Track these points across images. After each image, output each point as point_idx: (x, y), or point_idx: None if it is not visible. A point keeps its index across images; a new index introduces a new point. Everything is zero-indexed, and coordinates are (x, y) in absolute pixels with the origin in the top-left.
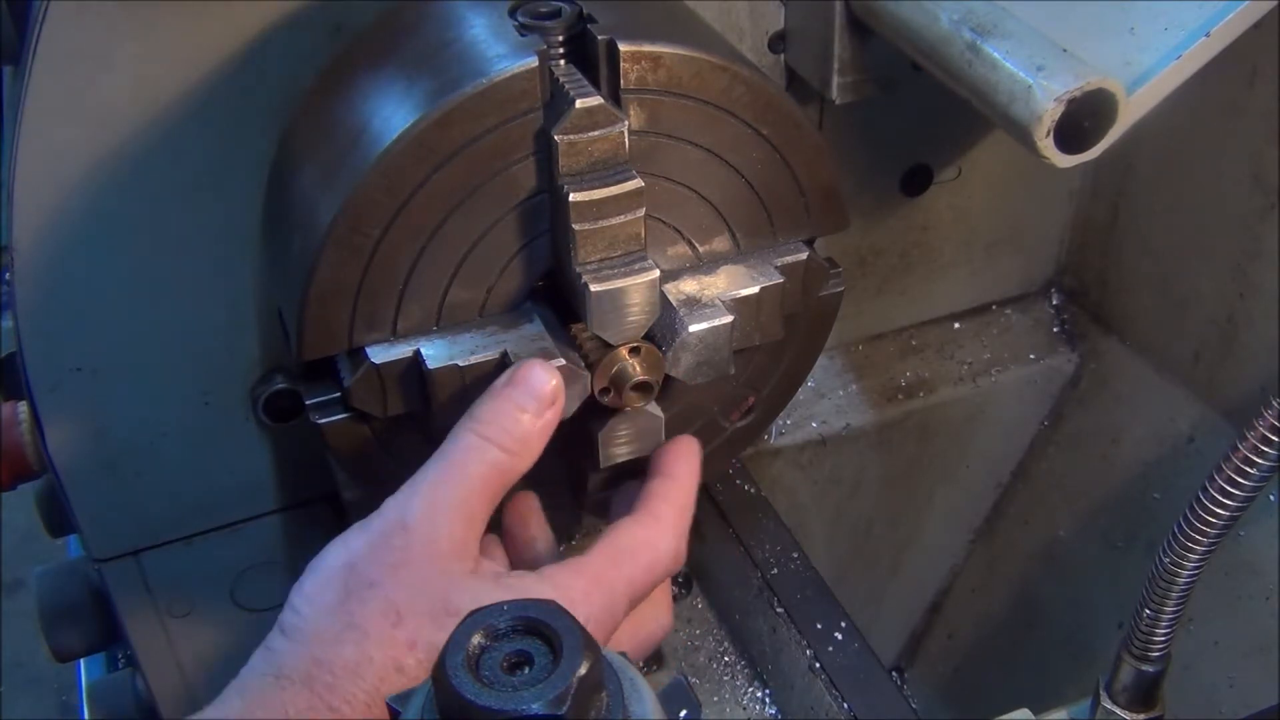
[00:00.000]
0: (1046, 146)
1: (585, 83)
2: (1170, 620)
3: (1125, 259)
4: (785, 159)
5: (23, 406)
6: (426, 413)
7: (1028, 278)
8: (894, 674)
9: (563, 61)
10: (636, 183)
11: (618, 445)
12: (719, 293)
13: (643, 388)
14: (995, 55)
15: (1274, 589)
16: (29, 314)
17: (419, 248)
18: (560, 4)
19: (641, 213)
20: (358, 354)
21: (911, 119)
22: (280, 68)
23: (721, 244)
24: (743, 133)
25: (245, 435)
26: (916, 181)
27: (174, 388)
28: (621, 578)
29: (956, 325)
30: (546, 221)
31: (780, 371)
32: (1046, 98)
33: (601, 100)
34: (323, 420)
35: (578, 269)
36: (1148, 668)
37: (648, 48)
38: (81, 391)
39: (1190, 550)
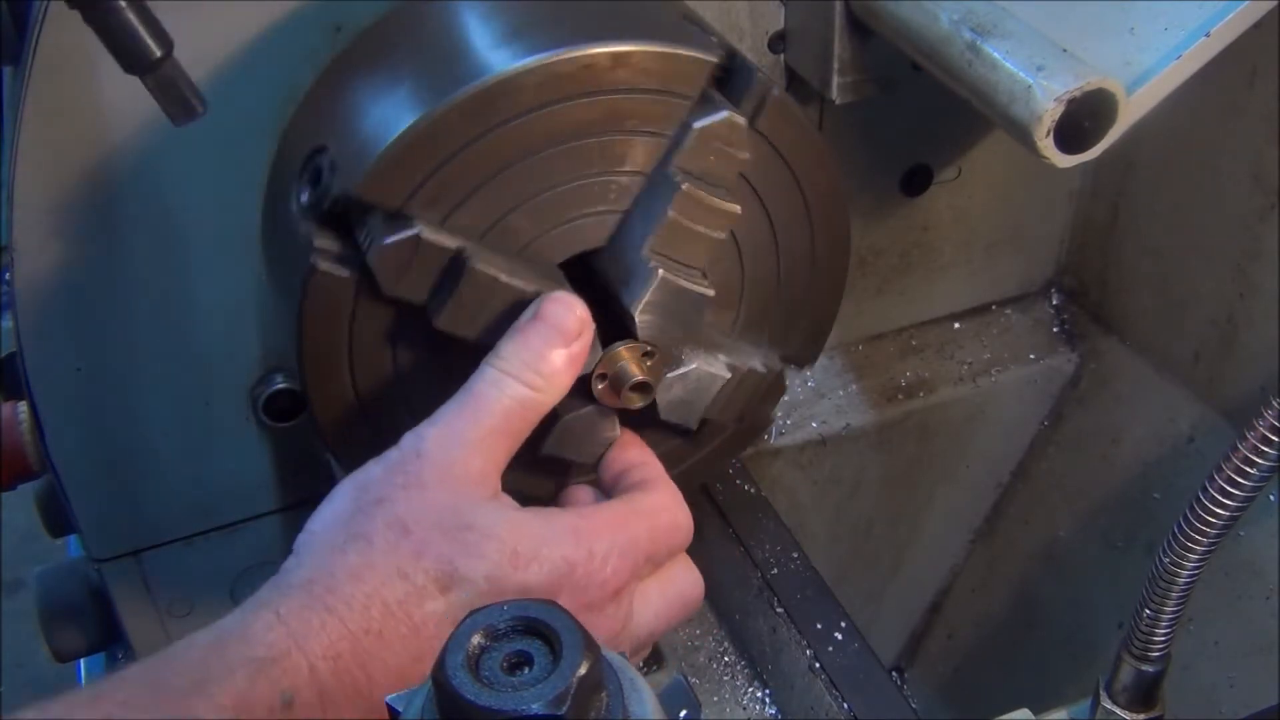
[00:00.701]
0: (1046, 146)
1: (729, 103)
2: (1170, 620)
3: (1125, 259)
4: (814, 266)
5: (23, 406)
6: (423, 313)
7: (1028, 278)
8: (894, 674)
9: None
10: (734, 206)
11: (573, 441)
12: (717, 354)
13: (641, 388)
14: (995, 55)
15: (1274, 589)
16: (29, 314)
17: (516, 159)
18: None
19: (724, 235)
20: (401, 219)
21: (911, 119)
22: (280, 68)
23: (725, 318)
24: (801, 218)
25: (245, 435)
26: (916, 181)
27: (174, 388)
28: (643, 527)
29: (956, 325)
30: (628, 202)
31: (695, 458)
32: (1046, 98)
33: (747, 123)
34: (323, 266)
35: (646, 253)
36: (1148, 668)
37: (789, 104)
38: (81, 391)
39: (1190, 550)
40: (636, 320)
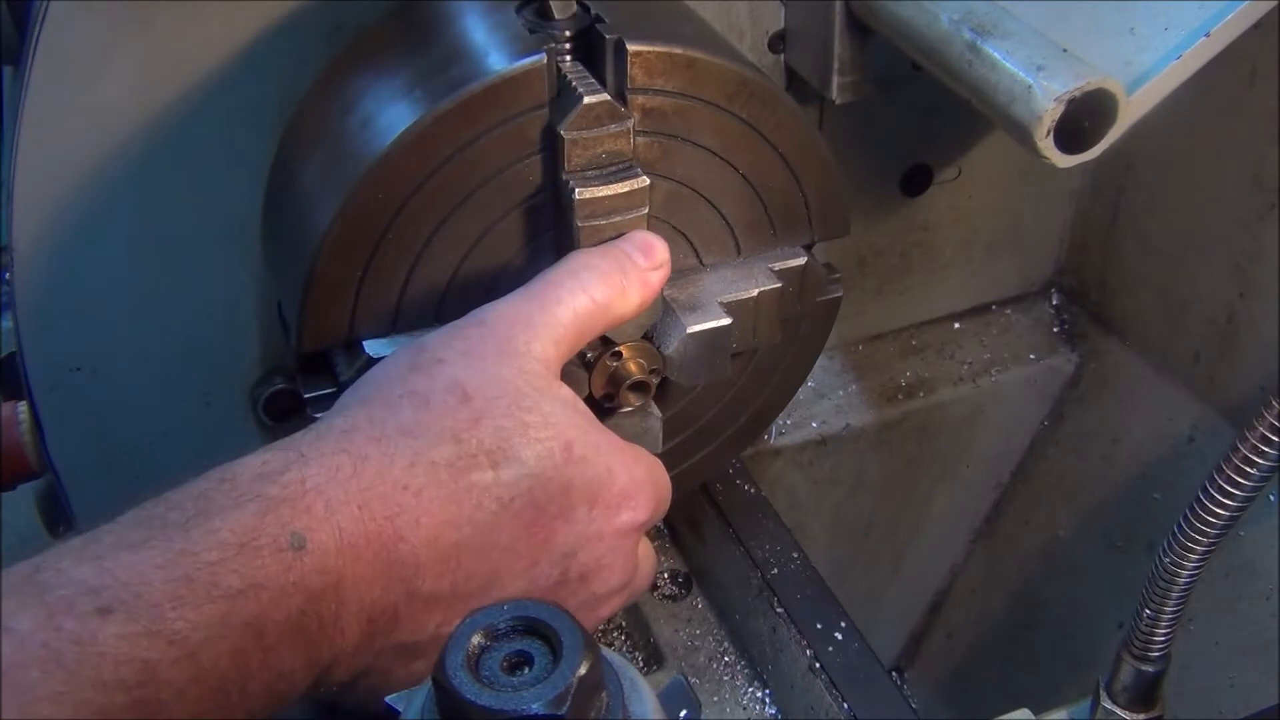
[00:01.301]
0: (1046, 146)
1: (592, 80)
2: (1170, 620)
3: (1125, 259)
4: (789, 164)
5: (23, 406)
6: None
7: (1027, 278)
8: (894, 674)
9: (569, 59)
10: (641, 180)
11: None
12: (717, 296)
13: (640, 388)
14: (995, 55)
15: (1274, 589)
16: (29, 314)
17: (422, 243)
18: (568, 3)
19: (645, 210)
20: (355, 348)
21: (911, 119)
22: (280, 68)
23: (724, 248)
24: (748, 136)
25: (245, 435)
26: (916, 181)
27: (174, 388)
28: (662, 482)
29: (956, 325)
30: (550, 220)
31: (778, 375)
32: (1046, 98)
33: (608, 97)
34: (321, 415)
35: None
36: (1148, 668)
37: (654, 48)
38: (81, 391)
39: (1190, 550)
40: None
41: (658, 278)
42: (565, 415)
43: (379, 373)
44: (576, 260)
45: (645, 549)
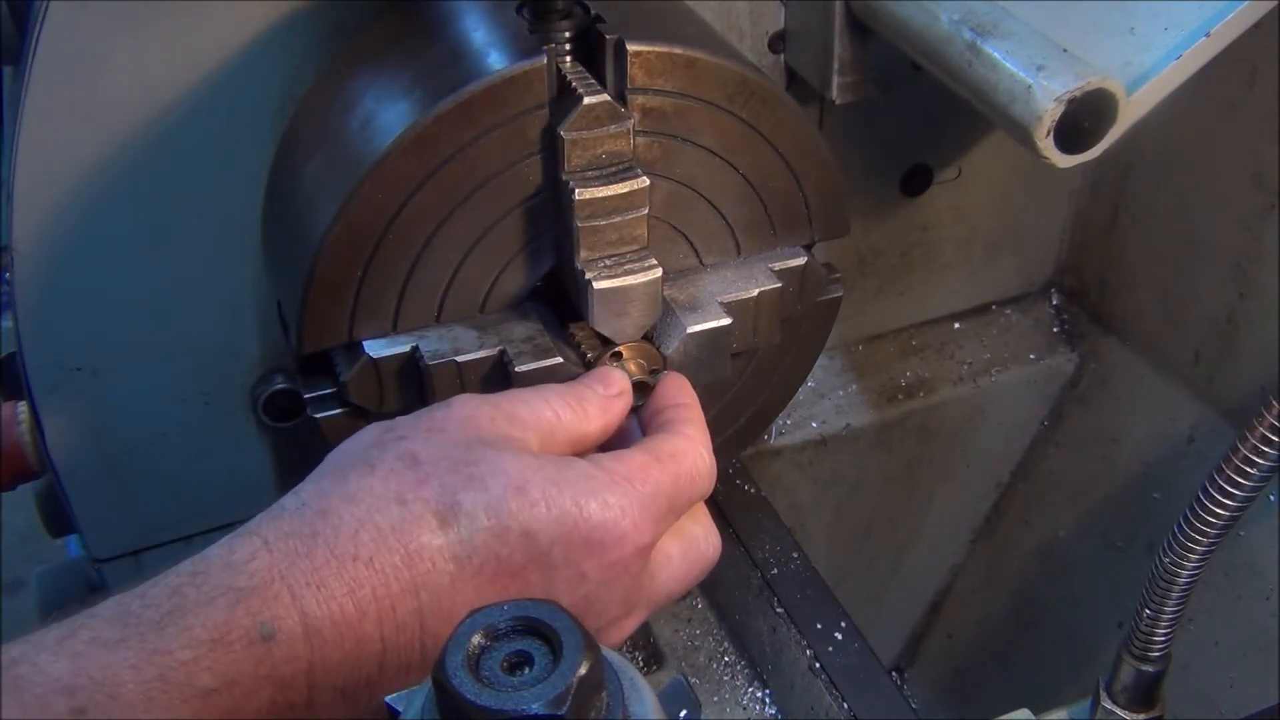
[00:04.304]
0: (1046, 146)
1: (592, 80)
2: (1170, 620)
3: (1125, 259)
4: (789, 164)
5: (23, 406)
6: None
7: (1027, 278)
8: (894, 674)
9: (569, 59)
10: (641, 181)
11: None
12: (717, 296)
13: (639, 388)
14: (995, 55)
15: (1274, 589)
16: (29, 314)
17: (422, 243)
18: (568, 4)
19: (645, 211)
20: (355, 348)
21: (911, 119)
22: (280, 68)
23: (724, 248)
24: (749, 136)
25: (245, 435)
26: (916, 181)
27: (174, 388)
28: (666, 475)
29: (956, 325)
30: (550, 220)
31: (778, 374)
32: (1046, 98)
33: (608, 97)
34: (320, 415)
35: (580, 266)
36: (1148, 668)
37: (655, 48)
38: (81, 391)
39: (1190, 550)
40: (603, 334)
41: (620, 403)
42: (517, 460)
43: (344, 446)
44: (535, 389)
45: (673, 555)
